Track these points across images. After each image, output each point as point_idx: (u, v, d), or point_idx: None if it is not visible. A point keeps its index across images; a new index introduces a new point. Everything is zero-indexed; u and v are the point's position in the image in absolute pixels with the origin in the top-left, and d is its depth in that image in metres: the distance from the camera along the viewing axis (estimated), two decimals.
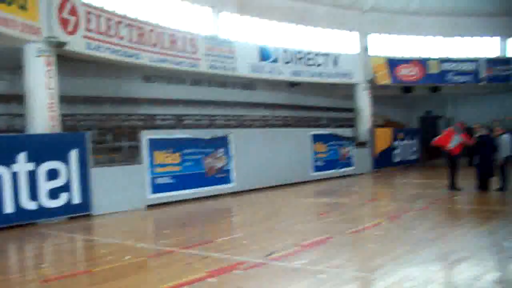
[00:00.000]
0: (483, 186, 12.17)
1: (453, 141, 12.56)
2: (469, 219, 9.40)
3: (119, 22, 13.12)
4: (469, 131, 13.18)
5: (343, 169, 17.98)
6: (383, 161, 20.26)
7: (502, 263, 6.02)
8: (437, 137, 13.32)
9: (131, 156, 12.33)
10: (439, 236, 7.40)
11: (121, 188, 10.91)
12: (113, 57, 12.93)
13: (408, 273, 5.47)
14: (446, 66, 21.65)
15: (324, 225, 9.00)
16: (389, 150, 20.84)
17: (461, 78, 21.72)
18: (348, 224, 8.90)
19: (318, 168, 16.91)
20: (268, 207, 11.85)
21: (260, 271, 5.80)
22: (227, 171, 13.59)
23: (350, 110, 21.07)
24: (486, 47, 22.38)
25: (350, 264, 6.12)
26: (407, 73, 21.28)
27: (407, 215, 9.52)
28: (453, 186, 12.59)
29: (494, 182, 12.19)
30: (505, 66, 21.90)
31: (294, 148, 15.96)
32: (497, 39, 22.85)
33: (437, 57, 21.75)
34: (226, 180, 13.55)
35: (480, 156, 12.15)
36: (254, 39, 17.44)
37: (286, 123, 19.60)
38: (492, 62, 21.81)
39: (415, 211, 10.00)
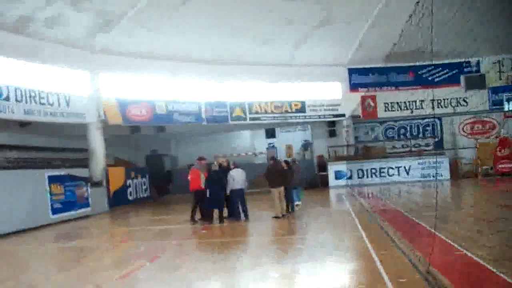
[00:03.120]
0: (219, 217, 13.21)
1: (202, 179, 13.53)
2: (230, 251, 9.72)
3: None
4: (208, 166, 14.00)
5: (81, 210, 17.18)
6: (119, 200, 20.30)
7: None
8: (190, 181, 13.80)
9: None
10: (210, 275, 7.58)
11: None
12: None
13: None
14: (173, 107, 23.08)
15: (85, 273, 8.29)
16: (123, 189, 21.01)
17: (186, 118, 23.44)
18: (111, 269, 8.45)
19: (56, 211, 15.80)
20: (12, 257, 10.47)
21: None
22: None
23: (84, 150, 20.33)
24: (206, 90, 24.38)
25: None
26: (137, 113, 21.90)
27: (167, 254, 9.54)
28: (200, 218, 13.62)
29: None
30: (223, 108, 24.56)
31: (30, 190, 14.65)
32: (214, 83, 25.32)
33: (164, 98, 22.89)
34: None
35: (211, 190, 13.10)
36: None
37: (19, 165, 17.51)
38: (211, 104, 24.16)
39: (172, 249, 10.11)
